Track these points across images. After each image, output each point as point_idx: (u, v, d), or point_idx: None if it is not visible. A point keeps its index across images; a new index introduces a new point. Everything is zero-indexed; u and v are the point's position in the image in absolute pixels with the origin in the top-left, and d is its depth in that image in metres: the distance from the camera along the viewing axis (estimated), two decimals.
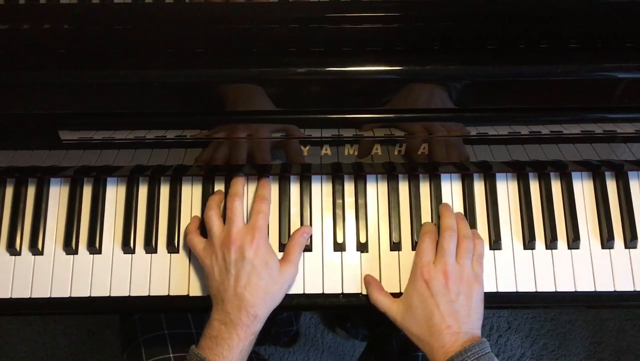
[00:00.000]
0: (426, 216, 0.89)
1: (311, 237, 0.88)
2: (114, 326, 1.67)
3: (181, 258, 0.88)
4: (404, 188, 0.90)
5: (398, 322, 0.82)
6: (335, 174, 0.90)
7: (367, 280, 0.86)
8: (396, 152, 0.82)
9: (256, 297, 0.78)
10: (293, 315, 1.55)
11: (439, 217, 0.88)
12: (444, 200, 0.90)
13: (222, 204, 0.87)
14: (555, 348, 1.69)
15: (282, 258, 0.84)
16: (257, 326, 0.79)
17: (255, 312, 0.78)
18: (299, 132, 0.78)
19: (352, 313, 1.50)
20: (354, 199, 0.90)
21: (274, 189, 0.90)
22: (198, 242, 0.84)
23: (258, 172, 0.89)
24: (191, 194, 0.90)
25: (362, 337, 1.61)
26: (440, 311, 0.78)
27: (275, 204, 0.89)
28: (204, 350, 0.77)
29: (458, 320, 0.78)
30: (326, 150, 0.82)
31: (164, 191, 0.90)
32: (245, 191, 0.88)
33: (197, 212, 0.89)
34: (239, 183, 0.87)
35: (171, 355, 0.95)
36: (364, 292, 0.86)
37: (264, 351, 1.67)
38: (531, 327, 1.70)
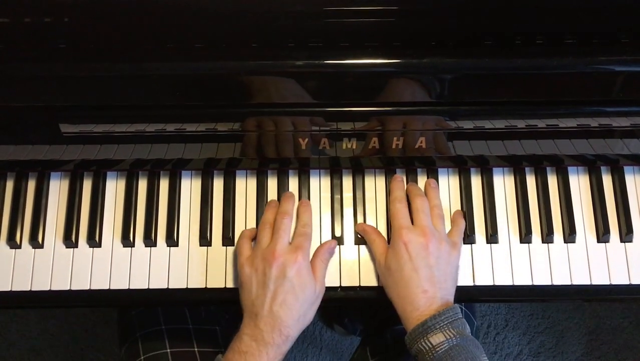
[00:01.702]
0: None
1: None
2: (112, 323, 1.67)
3: (180, 251, 0.88)
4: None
5: (379, 271, 0.84)
6: (334, 169, 0.91)
7: (362, 227, 0.88)
8: (394, 146, 0.83)
9: (290, 317, 0.78)
10: None
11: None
12: (441, 194, 0.90)
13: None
14: (553, 346, 1.69)
15: None
16: (287, 346, 0.79)
17: (288, 333, 0.78)
18: (298, 126, 0.79)
19: (349, 307, 1.50)
20: (352, 193, 0.91)
21: (272, 183, 0.91)
22: (246, 248, 0.84)
23: (258, 166, 0.90)
24: (190, 188, 0.91)
25: (359, 333, 1.61)
26: (418, 276, 0.79)
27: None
28: None
29: (435, 285, 0.79)
30: (324, 144, 0.82)
31: (164, 185, 0.91)
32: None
33: (196, 206, 0.90)
34: (289, 201, 0.87)
35: (168, 350, 0.96)
36: (362, 284, 0.87)
37: None
38: (528, 324, 1.70)
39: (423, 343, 0.75)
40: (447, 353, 0.74)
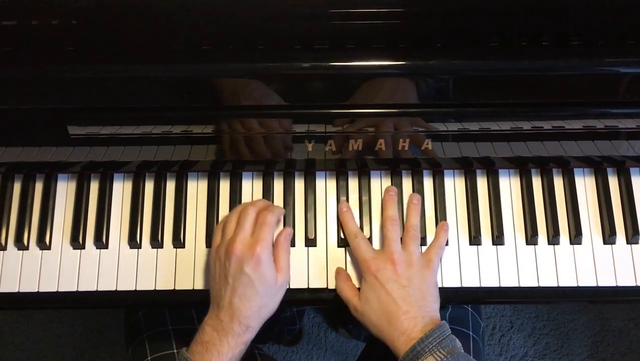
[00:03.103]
0: (430, 211, 0.90)
1: (316, 232, 0.89)
2: (118, 324, 1.68)
3: (187, 252, 0.89)
4: (407, 183, 0.91)
5: (358, 315, 0.83)
6: (340, 170, 0.91)
7: (337, 270, 0.87)
8: (400, 148, 0.83)
9: (249, 309, 0.79)
10: (296, 314, 1.55)
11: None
12: (446, 196, 0.90)
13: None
14: (558, 348, 1.69)
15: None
16: (249, 336, 0.80)
17: (248, 323, 0.79)
18: (302, 128, 0.79)
19: None
20: (358, 195, 0.91)
21: (279, 185, 0.91)
22: (217, 237, 0.84)
23: (264, 168, 0.90)
24: (197, 190, 0.91)
25: (364, 338, 1.61)
26: (394, 298, 0.79)
27: (280, 201, 0.90)
28: (194, 355, 0.77)
29: (413, 304, 0.79)
30: (331, 146, 0.83)
31: (170, 186, 0.91)
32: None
33: (202, 207, 0.90)
34: (271, 205, 0.86)
35: (175, 351, 0.96)
36: None
37: (267, 350, 1.67)
38: (534, 326, 1.70)
39: None
40: None
